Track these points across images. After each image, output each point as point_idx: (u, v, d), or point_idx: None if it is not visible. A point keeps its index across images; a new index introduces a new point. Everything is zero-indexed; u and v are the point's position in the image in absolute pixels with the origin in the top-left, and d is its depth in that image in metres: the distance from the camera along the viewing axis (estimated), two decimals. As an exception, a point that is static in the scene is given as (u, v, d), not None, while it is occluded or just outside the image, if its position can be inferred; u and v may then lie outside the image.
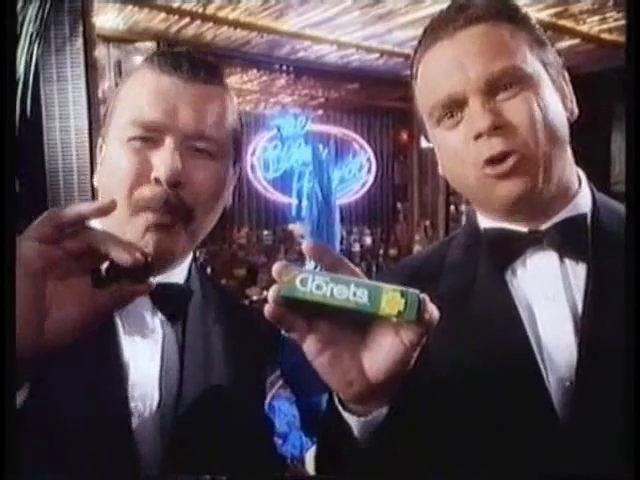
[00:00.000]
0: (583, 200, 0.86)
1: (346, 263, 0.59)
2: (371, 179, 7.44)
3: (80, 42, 2.89)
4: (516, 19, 0.82)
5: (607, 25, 4.30)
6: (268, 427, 1.07)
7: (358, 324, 0.59)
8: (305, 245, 0.59)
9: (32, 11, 2.72)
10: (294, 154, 6.62)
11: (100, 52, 3.57)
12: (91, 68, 2.93)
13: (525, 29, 0.82)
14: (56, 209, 0.60)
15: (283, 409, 3.72)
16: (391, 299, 0.54)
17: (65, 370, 0.74)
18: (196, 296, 0.91)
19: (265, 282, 5.76)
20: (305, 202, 5.35)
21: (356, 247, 7.07)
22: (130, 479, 0.79)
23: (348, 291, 0.54)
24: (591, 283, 0.79)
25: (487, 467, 0.76)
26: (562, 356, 0.78)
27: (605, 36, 4.51)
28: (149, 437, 0.81)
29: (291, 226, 6.57)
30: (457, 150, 0.82)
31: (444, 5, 0.85)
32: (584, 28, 4.37)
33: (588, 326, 0.77)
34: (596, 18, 4.17)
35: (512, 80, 0.78)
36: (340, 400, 0.65)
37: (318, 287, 0.54)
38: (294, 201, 6.51)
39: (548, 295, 0.81)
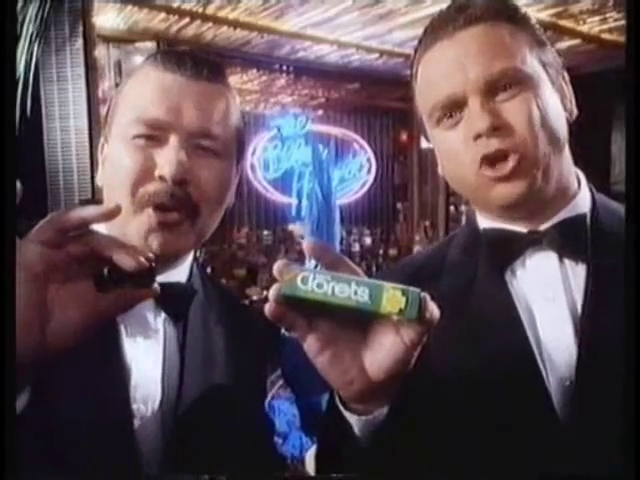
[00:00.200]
0: (582, 200, 0.86)
1: (346, 262, 0.59)
2: (371, 179, 7.44)
3: (80, 42, 2.89)
4: (516, 19, 0.82)
5: (607, 25, 4.30)
6: (268, 427, 1.07)
7: (359, 323, 0.59)
8: (305, 244, 0.59)
9: (32, 11, 2.72)
10: (294, 154, 6.62)
11: (100, 52, 3.57)
12: (91, 68, 2.93)
13: (525, 29, 0.82)
14: (60, 212, 0.60)
15: (283, 409, 3.72)
16: (392, 297, 0.54)
17: (68, 372, 0.74)
18: (198, 296, 0.91)
19: (265, 282, 5.76)
20: (305, 202, 5.35)
21: (356, 247, 7.07)
22: (131, 479, 0.79)
23: (349, 289, 0.54)
24: (591, 283, 0.79)
25: (487, 467, 0.76)
26: (562, 356, 0.78)
27: (605, 36, 4.51)
28: (150, 437, 0.81)
29: (291, 226, 6.58)
30: (456, 150, 0.82)
31: (444, 5, 0.85)
32: (584, 28, 4.38)
33: (588, 326, 0.77)
34: (596, 18, 4.17)
35: (512, 81, 0.78)
36: (341, 399, 0.65)
37: (319, 286, 0.54)
38: (294, 201, 6.52)
39: (548, 295, 0.81)
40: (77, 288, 0.61)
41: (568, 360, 0.77)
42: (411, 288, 0.54)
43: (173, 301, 0.87)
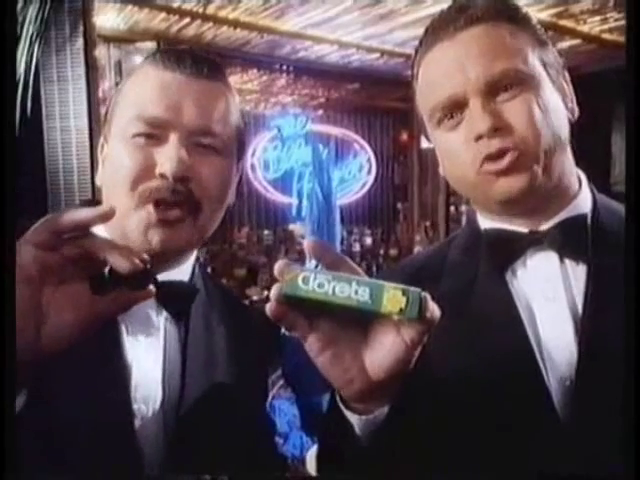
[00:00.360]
0: (583, 201, 0.86)
1: (347, 261, 0.59)
2: (371, 179, 7.44)
3: (80, 42, 2.89)
4: (517, 19, 0.82)
5: (608, 25, 4.30)
6: (269, 427, 1.07)
7: (359, 322, 0.60)
8: (306, 243, 0.59)
9: (32, 11, 2.72)
10: (294, 154, 6.62)
11: (100, 52, 3.57)
12: (91, 68, 2.93)
13: (526, 29, 0.82)
14: (55, 214, 0.60)
15: (284, 409, 3.72)
16: (392, 297, 0.54)
17: (68, 371, 0.74)
18: (200, 295, 0.91)
19: (265, 282, 5.76)
20: (305, 202, 5.36)
21: (356, 247, 7.07)
22: (132, 479, 0.79)
23: (350, 289, 0.54)
24: (591, 283, 0.79)
25: (487, 466, 0.76)
26: (562, 356, 0.78)
27: (606, 36, 4.51)
28: (151, 437, 0.81)
29: (291, 226, 6.58)
30: (458, 151, 0.82)
31: (445, 5, 0.85)
32: (585, 28, 4.38)
33: (588, 326, 0.77)
34: (597, 18, 4.17)
35: (513, 81, 0.78)
36: (342, 398, 0.65)
37: (320, 285, 0.54)
38: (294, 201, 6.52)
39: (548, 295, 0.81)
40: (72, 290, 0.61)
41: (568, 360, 0.77)
42: (411, 288, 0.54)
43: (175, 300, 0.87)
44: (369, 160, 7.42)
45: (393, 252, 7.09)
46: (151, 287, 0.65)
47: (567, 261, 0.82)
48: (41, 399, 0.70)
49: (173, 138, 0.81)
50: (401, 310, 0.54)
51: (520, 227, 0.85)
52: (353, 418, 0.64)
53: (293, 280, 0.55)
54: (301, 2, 3.81)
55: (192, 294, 0.89)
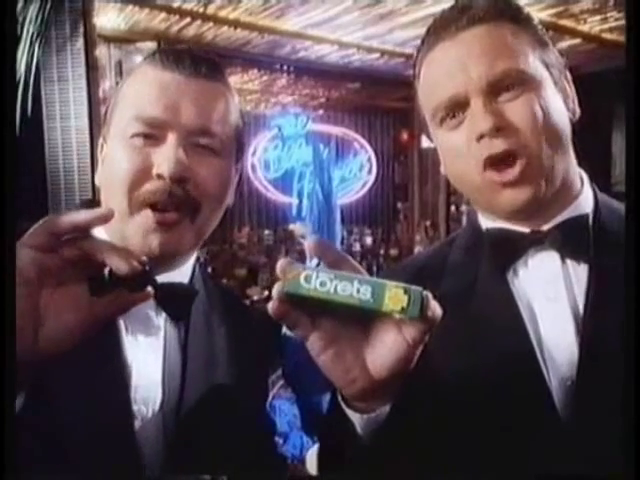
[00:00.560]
0: (585, 201, 0.86)
1: (349, 260, 0.59)
2: (372, 179, 7.45)
3: (81, 42, 2.90)
4: (518, 19, 0.82)
5: (608, 25, 4.30)
6: (269, 427, 1.07)
7: (361, 321, 0.60)
8: (308, 242, 0.59)
9: (33, 11, 2.72)
10: (295, 154, 6.63)
11: (101, 52, 3.58)
12: (92, 68, 2.94)
13: (527, 29, 0.82)
14: (53, 216, 0.60)
15: (284, 409, 3.72)
16: (394, 296, 0.54)
17: (68, 372, 0.74)
18: (200, 296, 0.91)
19: (266, 282, 5.76)
20: (306, 202, 5.34)
21: (357, 247, 7.07)
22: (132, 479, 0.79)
23: (352, 288, 0.54)
24: (593, 283, 0.79)
25: (488, 466, 0.76)
26: (563, 356, 0.78)
27: (606, 36, 4.51)
28: (151, 438, 0.81)
29: (292, 226, 6.57)
30: (460, 151, 0.82)
31: (445, 5, 0.85)
32: (585, 28, 4.38)
33: (589, 326, 0.77)
34: (597, 18, 4.17)
35: (514, 81, 0.78)
36: (343, 397, 0.65)
37: (322, 284, 0.54)
38: (295, 201, 6.52)
39: (549, 295, 0.81)
40: (71, 292, 0.61)
41: (569, 360, 0.77)
42: (413, 287, 0.55)
43: (175, 301, 0.86)
44: (369, 160, 7.42)
45: (393, 252, 7.09)
46: (149, 289, 0.65)
47: (568, 261, 0.82)
48: (41, 400, 0.70)
49: (171, 138, 0.80)
50: (403, 309, 0.54)
51: (522, 227, 0.85)
52: (354, 417, 0.64)
53: (295, 279, 0.55)
54: (301, 2, 3.81)
55: (192, 296, 0.89)
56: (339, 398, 0.66)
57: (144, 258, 0.62)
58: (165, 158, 0.79)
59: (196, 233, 0.84)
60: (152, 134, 0.81)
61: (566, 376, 0.77)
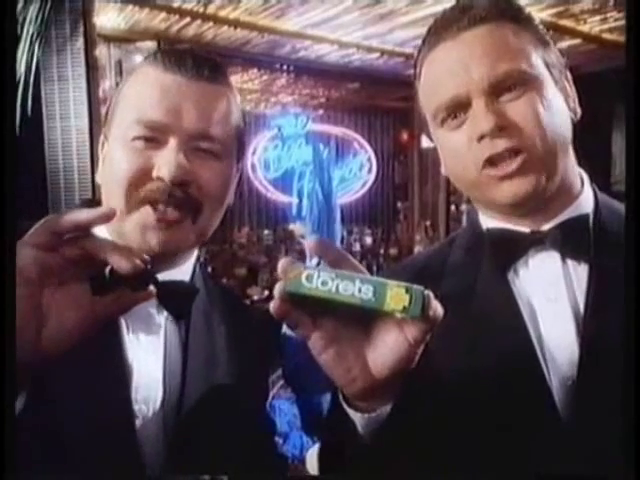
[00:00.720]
0: (586, 201, 0.86)
1: (349, 259, 0.59)
2: (372, 179, 7.45)
3: (81, 42, 2.90)
4: (520, 19, 0.82)
5: (608, 25, 4.30)
6: (269, 427, 1.07)
7: (362, 321, 0.60)
8: (309, 241, 0.59)
9: (33, 11, 2.72)
10: (295, 154, 6.63)
11: (101, 52, 3.58)
12: (92, 68, 2.93)
13: (529, 29, 0.82)
14: (54, 215, 0.60)
15: (284, 409, 3.73)
16: (396, 295, 0.54)
17: (69, 371, 0.74)
18: (200, 295, 0.91)
19: (266, 281, 5.77)
20: (306, 201, 5.35)
21: (356, 247, 7.07)
22: (133, 479, 0.79)
23: (353, 287, 0.54)
24: (593, 283, 0.79)
25: (489, 465, 0.76)
26: (564, 355, 0.78)
27: (606, 36, 4.51)
28: (152, 437, 0.81)
29: (292, 226, 6.57)
30: (461, 151, 0.82)
31: (445, 5, 0.85)
32: (585, 28, 4.38)
33: (590, 326, 0.77)
34: (597, 18, 4.17)
35: (516, 82, 0.78)
36: (344, 396, 0.65)
37: (324, 283, 0.54)
38: (295, 200, 6.52)
39: (550, 295, 0.81)
40: (72, 291, 0.61)
41: (570, 360, 0.77)
42: (415, 286, 0.54)
43: (175, 299, 0.86)
44: (369, 159, 7.43)
45: (393, 252, 7.10)
46: (151, 288, 0.65)
47: (569, 261, 0.82)
48: (42, 399, 0.70)
49: (172, 142, 0.80)
50: (404, 308, 0.54)
51: (522, 227, 0.85)
52: (356, 416, 0.64)
53: (297, 278, 0.55)
54: (301, 2, 3.81)
55: (192, 294, 0.89)
56: (340, 397, 0.66)
57: (146, 257, 0.62)
58: (166, 162, 0.79)
59: (197, 232, 0.84)
60: (153, 137, 0.80)
61: (567, 376, 0.77)
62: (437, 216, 6.67)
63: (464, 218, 6.07)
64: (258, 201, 6.93)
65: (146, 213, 0.80)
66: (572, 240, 0.82)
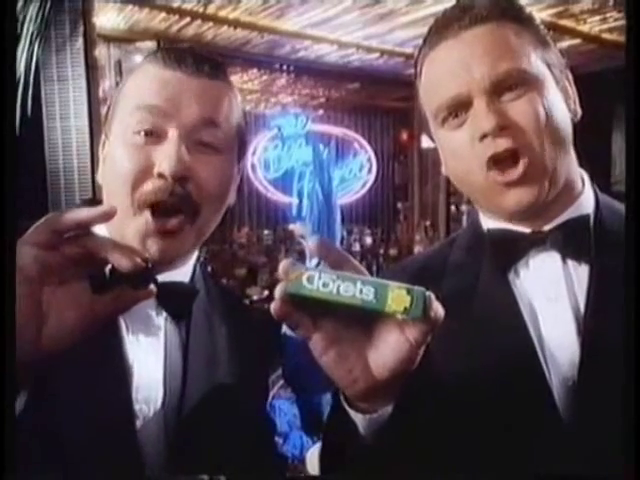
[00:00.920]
0: (586, 201, 0.86)
1: (351, 260, 0.59)
2: (372, 179, 7.45)
3: (81, 42, 2.90)
4: (521, 19, 0.82)
5: (607, 25, 4.30)
6: (269, 427, 1.07)
7: (363, 322, 0.60)
8: (310, 242, 0.59)
9: (33, 11, 2.72)
10: (295, 154, 6.63)
11: (101, 52, 3.58)
12: (92, 68, 2.94)
13: (530, 29, 0.82)
14: (55, 214, 0.60)
15: (283, 409, 3.72)
16: (397, 296, 0.54)
17: (69, 372, 0.74)
18: (200, 296, 0.91)
19: (265, 282, 5.76)
20: (306, 202, 5.35)
21: (356, 247, 7.07)
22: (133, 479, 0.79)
23: (354, 288, 0.54)
24: (594, 284, 0.79)
25: (490, 466, 0.76)
26: (565, 356, 0.78)
27: (606, 36, 4.52)
28: (153, 437, 0.81)
29: (291, 226, 6.57)
30: (462, 151, 0.82)
31: (445, 5, 0.85)
32: (584, 28, 4.38)
33: (590, 326, 0.77)
34: (597, 18, 4.17)
35: (517, 81, 0.78)
36: (346, 398, 0.65)
37: (325, 285, 0.54)
38: (295, 201, 6.52)
39: (551, 296, 0.81)
40: (73, 290, 0.61)
41: (571, 360, 0.78)
42: (416, 287, 0.55)
43: (175, 300, 0.86)
44: (369, 159, 7.43)
45: (393, 252, 7.09)
46: (152, 286, 0.65)
47: (570, 261, 0.82)
48: (42, 399, 0.70)
49: (172, 136, 0.79)
50: (406, 309, 0.54)
51: (523, 227, 0.85)
52: (357, 417, 0.64)
53: (298, 279, 0.55)
54: (301, 2, 3.81)
55: (192, 295, 0.89)
56: (341, 398, 0.66)
57: (147, 255, 0.62)
58: (166, 156, 0.78)
59: (197, 234, 0.84)
60: (153, 130, 0.80)
61: (567, 376, 0.77)
62: (437, 216, 6.67)
63: (464, 218, 6.07)
64: (258, 201, 6.93)
65: (146, 221, 0.79)
66: (573, 240, 0.82)
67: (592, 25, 4.33)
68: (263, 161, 6.73)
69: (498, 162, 0.78)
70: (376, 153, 7.53)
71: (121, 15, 3.95)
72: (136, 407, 0.80)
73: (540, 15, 3.89)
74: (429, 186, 6.74)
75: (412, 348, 0.58)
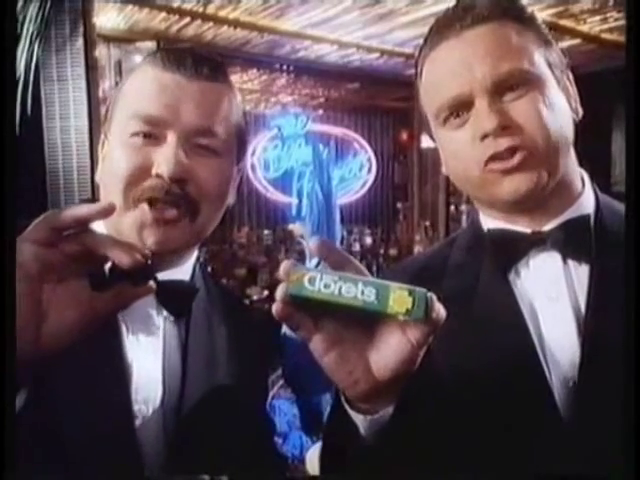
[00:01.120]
0: (587, 201, 0.86)
1: (352, 261, 0.59)
2: (371, 179, 7.44)
3: (80, 42, 2.89)
4: (522, 18, 0.82)
5: (608, 25, 4.29)
6: (269, 427, 1.07)
7: (364, 323, 0.59)
8: (311, 242, 0.59)
9: (32, 10, 2.72)
10: (294, 154, 6.62)
11: (100, 52, 3.57)
12: (91, 68, 2.93)
13: (531, 29, 0.82)
14: (54, 211, 0.59)
15: (283, 409, 3.72)
16: (399, 297, 0.54)
17: (69, 372, 0.74)
18: (200, 295, 0.91)
19: (265, 282, 5.76)
20: (305, 202, 5.34)
21: (356, 247, 7.06)
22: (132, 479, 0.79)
23: (356, 289, 0.54)
24: (594, 284, 0.79)
25: (490, 466, 0.76)
26: (565, 356, 0.78)
27: (606, 36, 4.51)
28: (152, 437, 0.81)
29: (291, 226, 6.57)
30: (463, 150, 0.81)
31: (445, 5, 0.85)
32: (585, 28, 4.37)
33: (591, 326, 0.77)
34: (597, 18, 4.17)
35: (519, 81, 0.78)
36: (346, 398, 0.65)
37: (326, 286, 0.54)
38: (294, 201, 6.51)
39: (551, 296, 0.81)
40: (72, 287, 0.61)
41: (571, 360, 0.78)
42: (417, 288, 0.54)
43: (175, 298, 0.86)
44: (369, 159, 7.42)
45: (393, 252, 7.09)
46: (151, 283, 0.65)
47: (570, 261, 0.82)
48: (41, 399, 0.70)
49: (171, 138, 0.80)
50: (407, 311, 0.54)
51: (523, 227, 0.84)
52: (358, 418, 0.64)
53: (299, 280, 0.55)
54: (301, 2, 3.80)
55: (192, 293, 0.89)
56: (342, 399, 0.65)
57: (147, 251, 0.62)
58: (165, 158, 0.79)
59: (195, 232, 0.84)
60: (152, 133, 0.80)
61: (568, 376, 0.77)
62: (437, 216, 6.66)
63: (464, 218, 6.07)
64: (258, 201, 6.92)
65: (143, 211, 0.79)
66: (573, 240, 0.82)
67: (592, 25, 4.33)
68: (263, 161, 6.72)
69: (497, 159, 0.78)
70: (376, 153, 7.53)
71: (121, 15, 3.94)
72: (135, 407, 0.80)
73: (540, 15, 3.87)
74: (429, 186, 6.74)
75: (413, 349, 0.58)
